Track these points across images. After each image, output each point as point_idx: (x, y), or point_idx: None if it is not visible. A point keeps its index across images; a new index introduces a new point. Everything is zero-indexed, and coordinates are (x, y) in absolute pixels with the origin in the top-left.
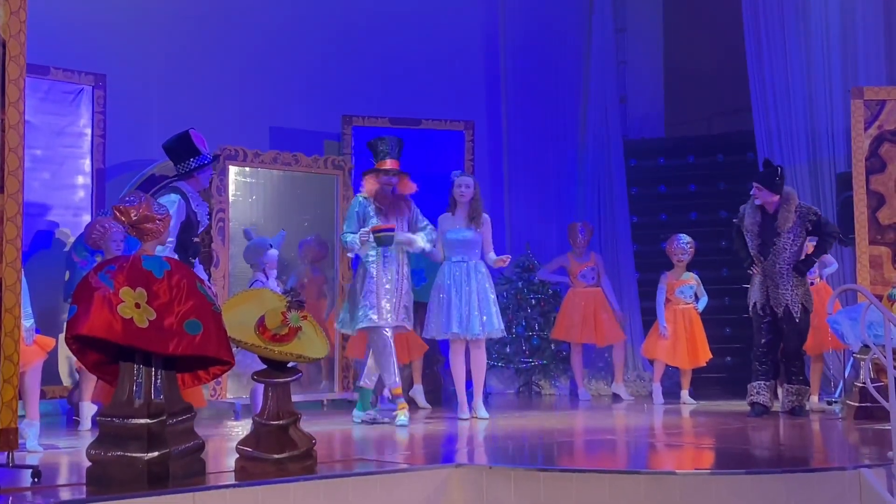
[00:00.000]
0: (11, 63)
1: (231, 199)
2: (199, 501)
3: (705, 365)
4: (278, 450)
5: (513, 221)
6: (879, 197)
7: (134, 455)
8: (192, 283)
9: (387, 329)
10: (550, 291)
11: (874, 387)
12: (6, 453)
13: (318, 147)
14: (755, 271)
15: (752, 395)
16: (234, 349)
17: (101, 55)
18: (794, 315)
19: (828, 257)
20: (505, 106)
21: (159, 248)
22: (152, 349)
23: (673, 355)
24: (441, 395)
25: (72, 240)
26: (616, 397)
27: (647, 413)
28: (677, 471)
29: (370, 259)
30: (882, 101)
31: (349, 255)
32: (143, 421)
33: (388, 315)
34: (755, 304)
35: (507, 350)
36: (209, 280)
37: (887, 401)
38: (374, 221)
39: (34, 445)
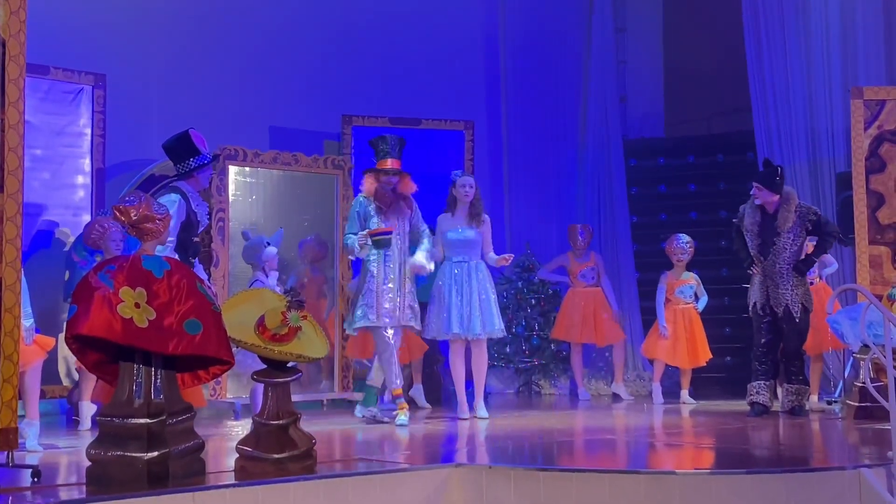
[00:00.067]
0: (11, 63)
1: (231, 198)
2: (198, 501)
3: (705, 365)
4: (278, 449)
5: (513, 221)
6: (879, 197)
7: (134, 455)
8: (191, 283)
9: (388, 329)
10: (550, 291)
11: (874, 386)
12: (6, 453)
13: (317, 147)
14: (755, 271)
15: (751, 394)
16: (233, 349)
17: (101, 55)
18: (794, 315)
19: (828, 257)
20: (505, 106)
21: (159, 247)
22: (152, 349)
23: (673, 355)
24: (441, 395)
25: (72, 239)
26: (616, 397)
27: (647, 413)
28: (677, 470)
29: (371, 258)
30: (882, 101)
31: (350, 257)
32: (142, 421)
33: (389, 315)
34: (755, 303)
35: (507, 350)
36: (209, 280)
37: (887, 400)
38: (375, 221)
39: (34, 445)
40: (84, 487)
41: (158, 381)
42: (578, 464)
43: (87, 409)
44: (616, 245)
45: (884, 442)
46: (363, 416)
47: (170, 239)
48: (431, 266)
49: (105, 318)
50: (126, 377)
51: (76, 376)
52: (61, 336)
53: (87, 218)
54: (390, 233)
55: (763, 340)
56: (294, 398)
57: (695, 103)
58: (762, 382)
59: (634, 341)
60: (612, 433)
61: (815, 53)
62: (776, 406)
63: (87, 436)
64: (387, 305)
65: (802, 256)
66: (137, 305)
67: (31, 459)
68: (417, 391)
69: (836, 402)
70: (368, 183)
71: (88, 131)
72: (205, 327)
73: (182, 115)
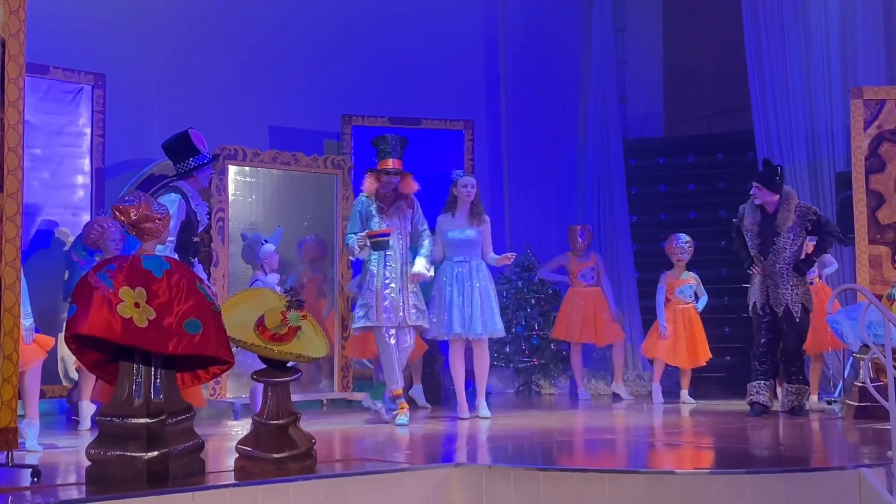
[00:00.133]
0: (11, 62)
1: (231, 198)
2: (198, 501)
3: (705, 364)
4: (278, 449)
5: (513, 221)
6: (879, 196)
7: (133, 454)
8: (191, 283)
9: (390, 329)
10: (550, 291)
11: (874, 386)
12: (6, 453)
13: (317, 146)
14: (755, 271)
15: (751, 394)
16: (233, 349)
17: (101, 55)
18: (794, 315)
19: (828, 257)
20: (505, 105)
21: (159, 247)
22: (152, 348)
23: (673, 355)
24: (441, 395)
25: (71, 239)
26: (616, 397)
27: (647, 412)
28: (677, 470)
29: (372, 258)
30: (882, 101)
31: (350, 258)
32: (142, 420)
33: (389, 315)
34: (755, 303)
35: (507, 349)
36: (208, 279)
37: (887, 400)
38: (376, 220)
39: (34, 445)
40: (84, 487)
41: (158, 380)
42: (578, 463)
43: (87, 408)
44: (616, 245)
45: (884, 442)
46: (368, 408)
47: (170, 239)
48: (432, 272)
49: (105, 318)
50: (126, 377)
51: (74, 376)
52: (61, 336)
53: (86, 218)
54: (388, 234)
55: (763, 340)
56: (294, 398)
57: (695, 103)
58: (762, 382)
59: (634, 341)
60: (612, 433)
61: (814, 53)
62: (776, 406)
63: (86, 435)
64: (386, 305)
65: (802, 256)
66: (137, 305)
67: (31, 459)
68: (417, 391)
69: (835, 401)
70: (370, 183)
71: (88, 131)
72: (204, 327)
73: (182, 115)
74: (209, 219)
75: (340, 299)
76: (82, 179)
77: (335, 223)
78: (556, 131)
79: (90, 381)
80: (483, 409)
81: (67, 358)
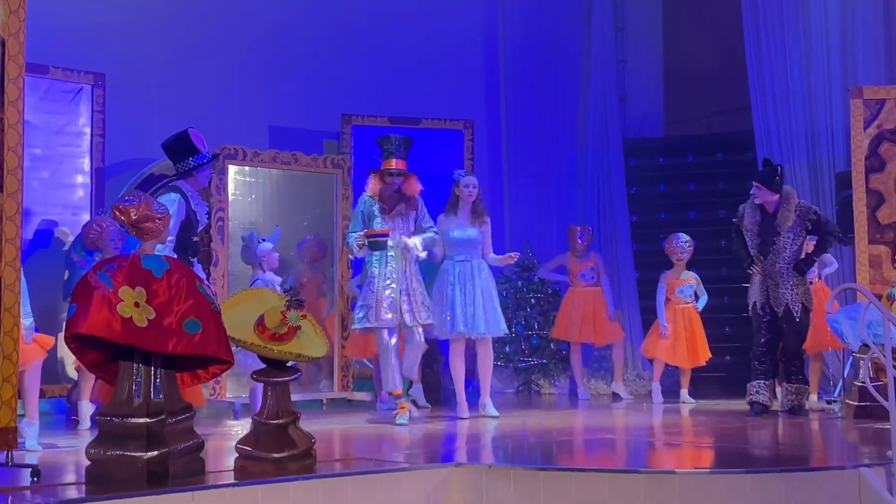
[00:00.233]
0: (10, 62)
1: (230, 198)
2: (198, 500)
3: (705, 364)
4: (277, 449)
5: (513, 221)
6: (879, 196)
7: (133, 454)
8: (191, 283)
9: (392, 329)
10: (550, 290)
11: (873, 386)
12: (5, 452)
13: (317, 146)
14: (755, 271)
15: (751, 394)
16: (233, 348)
17: (101, 54)
18: (794, 314)
19: (828, 257)
20: (505, 105)
21: (159, 247)
22: (151, 348)
23: (673, 354)
24: (441, 395)
25: (71, 239)
26: (615, 396)
27: (647, 412)
28: (677, 470)
29: (373, 258)
30: (881, 101)
31: (350, 257)
32: (142, 420)
33: (389, 316)
34: (755, 303)
35: (507, 349)
36: (208, 279)
37: (887, 400)
38: (378, 220)
39: (33, 444)
40: (83, 487)
41: (158, 380)
42: (578, 463)
43: (87, 408)
44: (616, 244)
45: (883, 441)
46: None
47: (169, 238)
48: (423, 254)
49: (104, 318)
50: (125, 376)
51: (74, 375)
52: (61, 335)
53: (86, 217)
54: (387, 235)
55: (763, 340)
56: (293, 397)
57: (694, 103)
58: (762, 382)
59: (634, 341)
60: (612, 432)
61: (814, 53)
62: (776, 405)
63: (86, 435)
64: (386, 306)
65: (802, 256)
66: (137, 305)
67: (31, 459)
68: (417, 391)
69: (835, 401)
70: (373, 183)
71: (88, 131)
72: (204, 327)
73: (182, 115)
74: (209, 218)
75: (340, 299)
76: (82, 179)
77: (335, 223)
78: (555, 131)
79: (90, 381)
80: (490, 409)
81: (67, 358)
